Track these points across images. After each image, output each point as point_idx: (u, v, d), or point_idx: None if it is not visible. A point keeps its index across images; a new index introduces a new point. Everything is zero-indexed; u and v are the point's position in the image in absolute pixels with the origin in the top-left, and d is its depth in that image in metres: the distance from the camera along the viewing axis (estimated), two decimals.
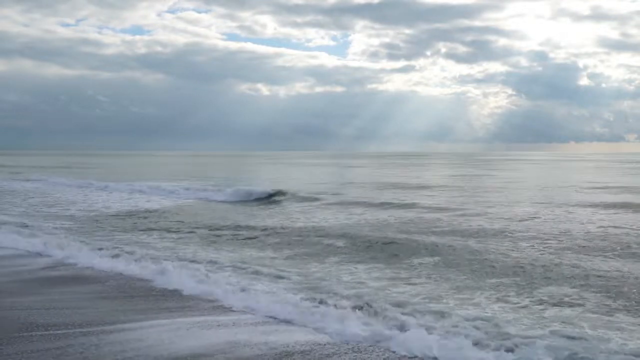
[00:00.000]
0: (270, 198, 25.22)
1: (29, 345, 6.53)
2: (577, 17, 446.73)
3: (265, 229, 15.85)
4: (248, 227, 16.35)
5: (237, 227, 16.39)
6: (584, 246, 12.54)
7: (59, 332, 6.96)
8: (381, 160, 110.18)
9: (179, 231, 15.79)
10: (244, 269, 10.56)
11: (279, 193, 25.87)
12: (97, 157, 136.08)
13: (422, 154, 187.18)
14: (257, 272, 10.24)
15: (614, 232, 14.37)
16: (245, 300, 8.20)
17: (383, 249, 12.57)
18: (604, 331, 6.94)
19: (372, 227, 15.98)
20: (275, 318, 7.57)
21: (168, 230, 16.01)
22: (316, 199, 23.99)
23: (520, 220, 16.92)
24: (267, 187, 27.89)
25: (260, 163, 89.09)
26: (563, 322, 7.30)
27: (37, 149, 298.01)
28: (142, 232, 15.71)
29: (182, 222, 17.86)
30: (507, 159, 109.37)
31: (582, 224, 16.09)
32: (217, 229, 16.12)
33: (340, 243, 13.40)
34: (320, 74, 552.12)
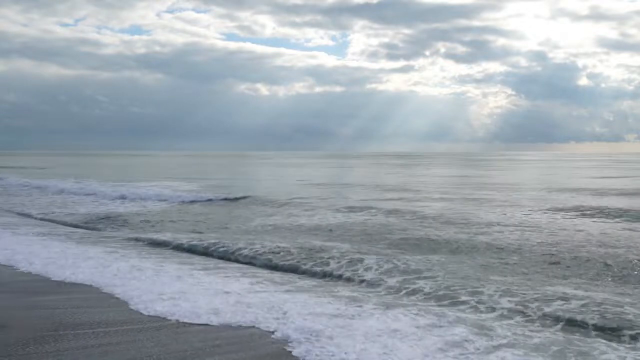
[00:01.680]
0: (234, 201, 25.32)
1: (64, 344, 6.65)
2: (576, 17, 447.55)
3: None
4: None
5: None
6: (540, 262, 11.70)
7: (93, 330, 7.11)
8: (377, 160, 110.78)
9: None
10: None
11: (243, 197, 26.11)
12: (94, 157, 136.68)
13: (420, 154, 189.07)
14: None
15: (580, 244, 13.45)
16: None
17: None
18: None
19: (304, 233, 15.82)
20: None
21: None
22: (279, 203, 24.00)
23: (487, 227, 16.32)
24: (232, 190, 28.34)
25: (254, 164, 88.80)
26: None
27: (36, 149, 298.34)
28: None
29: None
30: (503, 160, 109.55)
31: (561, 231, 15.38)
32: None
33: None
34: (319, 74, 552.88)
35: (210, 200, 25.39)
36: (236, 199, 25.56)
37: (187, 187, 32.56)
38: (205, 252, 13.02)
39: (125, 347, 6.50)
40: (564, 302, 8.25)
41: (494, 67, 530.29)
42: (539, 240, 13.66)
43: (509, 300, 8.44)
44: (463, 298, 8.68)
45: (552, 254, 12.02)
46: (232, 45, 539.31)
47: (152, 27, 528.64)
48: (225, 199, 25.47)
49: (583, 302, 8.23)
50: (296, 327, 7.09)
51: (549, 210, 19.91)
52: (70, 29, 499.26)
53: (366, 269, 10.72)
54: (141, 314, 7.80)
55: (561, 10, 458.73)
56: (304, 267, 11.24)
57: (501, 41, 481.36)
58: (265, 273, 10.77)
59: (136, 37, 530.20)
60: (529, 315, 7.82)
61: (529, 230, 15.31)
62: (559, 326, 7.38)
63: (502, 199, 24.58)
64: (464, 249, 12.91)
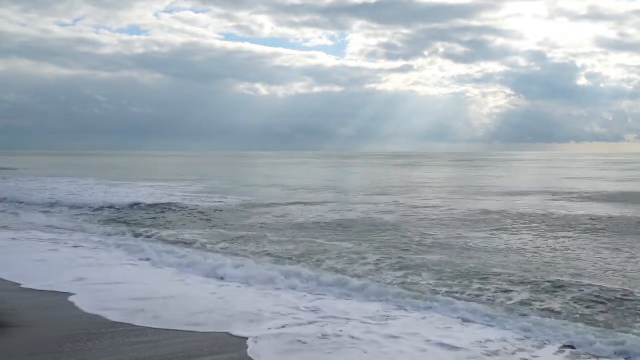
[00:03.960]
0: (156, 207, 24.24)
1: (118, 339, 7.03)
2: (575, 17, 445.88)
3: None
4: None
5: None
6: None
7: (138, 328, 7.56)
8: (375, 160, 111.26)
9: None
10: None
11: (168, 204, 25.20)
12: (90, 157, 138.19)
13: (419, 154, 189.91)
14: None
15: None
16: None
17: None
18: None
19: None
20: None
21: None
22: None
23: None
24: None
25: (249, 164, 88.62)
26: None
27: (36, 149, 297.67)
28: None
29: None
30: (503, 160, 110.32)
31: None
32: None
33: None
34: (318, 74, 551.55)
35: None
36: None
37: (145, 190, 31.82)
38: None
39: None
40: None
41: (493, 67, 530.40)
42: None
43: None
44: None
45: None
46: (231, 45, 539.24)
47: (150, 27, 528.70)
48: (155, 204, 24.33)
49: None
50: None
51: (545, 218, 19.50)
52: (68, 29, 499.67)
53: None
54: None
55: (560, 10, 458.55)
56: None
57: (500, 41, 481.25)
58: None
59: (135, 37, 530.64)
60: None
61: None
62: None
63: (499, 205, 23.94)
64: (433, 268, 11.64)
